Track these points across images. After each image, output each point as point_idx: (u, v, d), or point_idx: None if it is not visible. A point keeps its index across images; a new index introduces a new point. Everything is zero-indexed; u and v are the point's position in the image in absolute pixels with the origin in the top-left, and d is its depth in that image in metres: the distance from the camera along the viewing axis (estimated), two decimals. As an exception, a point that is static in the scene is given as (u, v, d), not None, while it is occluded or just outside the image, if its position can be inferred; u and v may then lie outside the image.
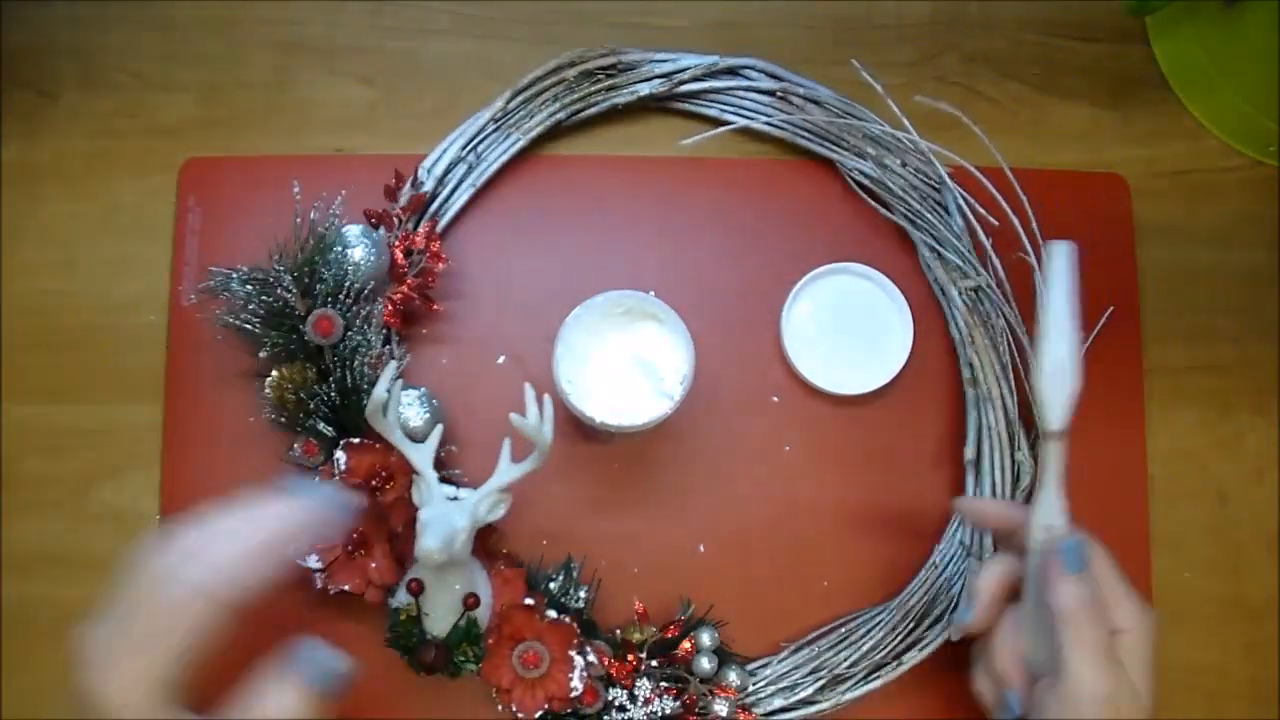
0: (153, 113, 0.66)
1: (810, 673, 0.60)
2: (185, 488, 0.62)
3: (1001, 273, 0.63)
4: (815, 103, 0.66)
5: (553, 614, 0.57)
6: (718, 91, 0.66)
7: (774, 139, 0.66)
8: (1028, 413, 0.62)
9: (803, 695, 0.59)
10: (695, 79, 0.65)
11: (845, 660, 0.60)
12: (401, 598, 0.56)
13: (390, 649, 0.57)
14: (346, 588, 0.56)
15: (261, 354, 0.59)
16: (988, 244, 0.63)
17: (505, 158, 0.64)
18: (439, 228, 0.63)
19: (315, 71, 0.67)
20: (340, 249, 0.59)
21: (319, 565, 0.56)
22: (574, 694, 0.55)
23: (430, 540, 0.50)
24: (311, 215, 0.61)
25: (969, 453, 0.62)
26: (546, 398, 0.54)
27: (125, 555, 0.43)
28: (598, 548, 0.62)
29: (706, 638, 0.59)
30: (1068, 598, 0.48)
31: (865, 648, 0.60)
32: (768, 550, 0.63)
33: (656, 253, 0.65)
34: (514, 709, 0.55)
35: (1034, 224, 0.63)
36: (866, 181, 0.65)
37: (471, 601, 0.55)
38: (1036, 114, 0.68)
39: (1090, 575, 0.50)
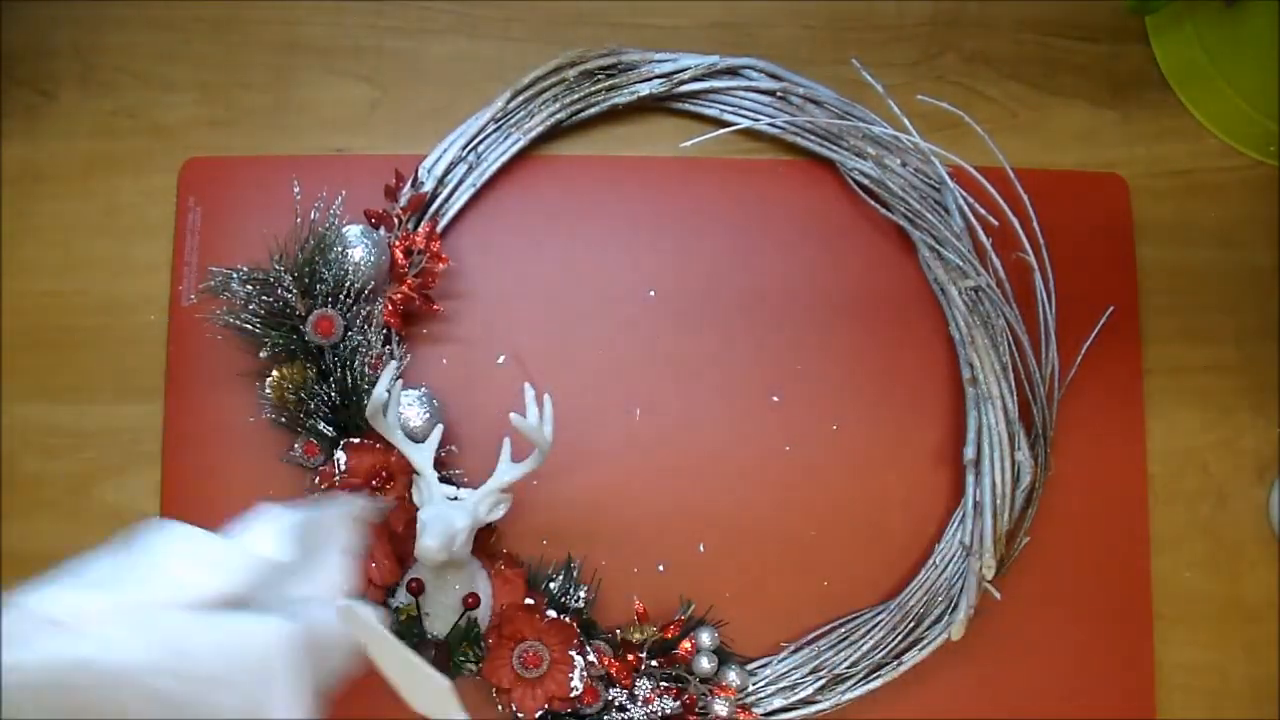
0: (153, 113, 0.66)
1: (810, 673, 0.60)
2: (185, 488, 0.62)
3: (1001, 273, 0.63)
4: (815, 103, 0.66)
5: (553, 614, 0.57)
6: (718, 91, 0.66)
7: (774, 139, 0.66)
8: (1028, 413, 0.62)
9: (803, 695, 0.59)
10: (695, 79, 0.65)
11: (845, 660, 0.60)
12: (401, 598, 0.56)
13: (390, 649, 0.57)
14: (346, 588, 0.56)
15: (261, 354, 0.59)
16: (988, 244, 0.63)
17: (505, 158, 0.64)
18: (439, 228, 0.63)
19: (315, 71, 0.67)
20: (340, 249, 0.59)
21: (319, 565, 0.56)
22: (574, 694, 0.55)
23: (430, 540, 0.50)
24: (311, 215, 0.61)
25: (969, 453, 0.62)
26: (546, 398, 0.54)
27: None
28: (598, 548, 0.62)
29: (706, 638, 0.59)
30: None
31: (865, 648, 0.60)
32: (768, 550, 0.63)
33: (656, 253, 0.65)
34: (514, 709, 0.55)
35: (1034, 224, 0.63)
36: (866, 181, 0.65)
37: (471, 601, 0.55)
38: (1036, 114, 0.68)
39: None
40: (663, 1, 0.68)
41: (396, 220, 0.61)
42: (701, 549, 0.63)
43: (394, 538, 0.57)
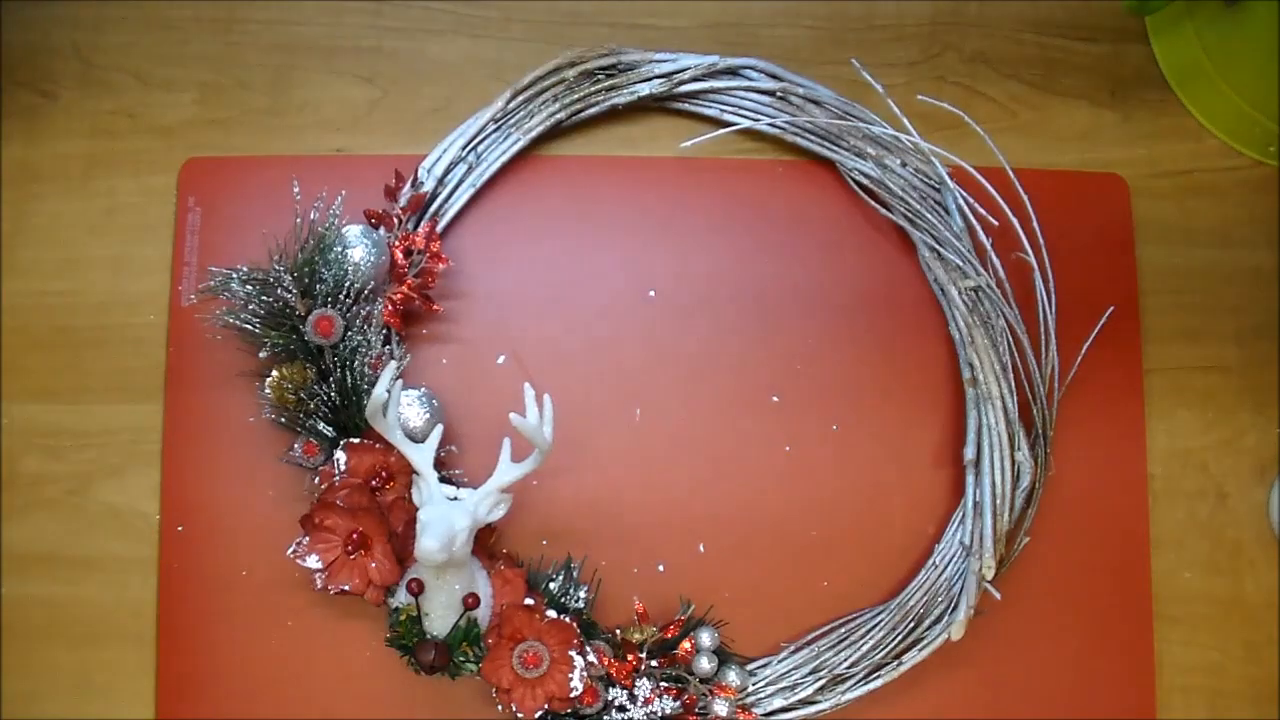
0: (153, 113, 0.66)
1: (810, 673, 0.60)
2: (185, 488, 0.62)
3: (1001, 273, 0.63)
4: (815, 103, 0.66)
5: (553, 614, 0.57)
6: (718, 91, 0.66)
7: (774, 139, 0.66)
8: (1028, 413, 0.62)
9: (803, 695, 0.59)
10: (695, 79, 0.65)
11: (845, 660, 0.60)
12: (401, 598, 0.56)
13: (390, 649, 0.57)
14: (346, 588, 0.56)
15: (261, 354, 0.59)
16: (988, 244, 0.63)
17: (505, 158, 0.64)
18: (439, 228, 0.63)
19: (315, 71, 0.67)
20: (340, 249, 0.59)
21: (319, 565, 0.56)
22: (574, 694, 0.55)
23: (430, 540, 0.50)
24: (311, 215, 0.61)
25: (969, 453, 0.62)
26: (546, 398, 0.54)
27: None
28: (598, 548, 0.62)
29: (706, 638, 0.59)
30: None
31: (865, 648, 0.60)
32: (768, 550, 0.63)
33: (656, 253, 0.65)
34: (514, 709, 0.55)
35: (1034, 224, 0.63)
36: (866, 181, 0.65)
37: (471, 601, 0.55)
38: (1036, 114, 0.68)
39: None
40: (663, 1, 0.68)
41: (396, 220, 0.61)
42: (701, 549, 0.63)
43: (394, 538, 0.57)
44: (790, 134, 0.65)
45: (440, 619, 0.55)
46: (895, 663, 0.60)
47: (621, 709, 0.57)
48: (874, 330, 0.65)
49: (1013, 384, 0.62)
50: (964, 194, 0.63)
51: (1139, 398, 0.65)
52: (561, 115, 0.64)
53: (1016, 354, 0.63)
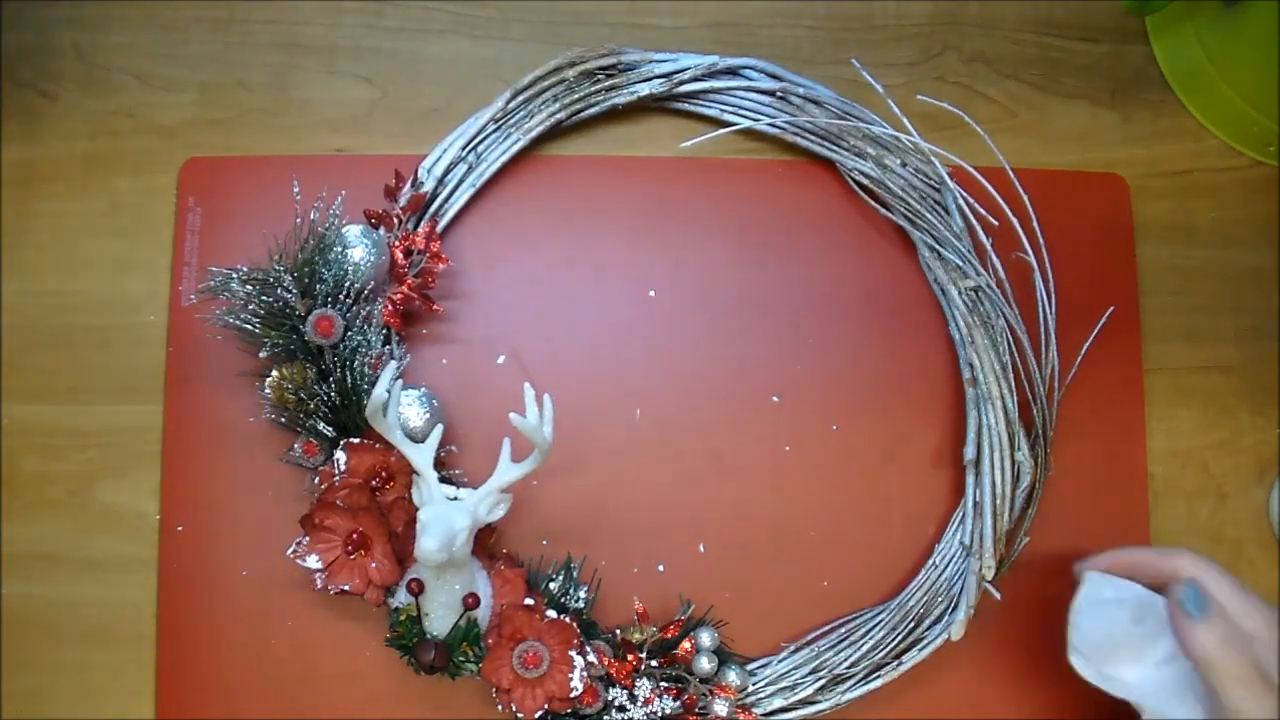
0: (153, 113, 0.66)
1: (810, 673, 0.60)
2: (185, 488, 0.62)
3: (1001, 273, 0.63)
4: (815, 103, 0.66)
5: (553, 614, 0.57)
6: (718, 91, 0.66)
7: (774, 139, 0.66)
8: (1028, 413, 0.62)
9: (803, 695, 0.59)
10: (695, 79, 0.65)
11: (845, 660, 0.60)
12: (401, 598, 0.56)
13: (390, 649, 0.57)
14: (346, 588, 0.56)
15: (261, 354, 0.59)
16: (988, 244, 0.63)
17: (505, 158, 0.64)
18: (439, 228, 0.63)
19: (315, 71, 0.67)
20: (340, 249, 0.59)
21: (319, 565, 0.56)
22: (574, 694, 0.55)
23: (430, 540, 0.50)
24: (311, 215, 0.61)
25: (969, 453, 0.62)
26: (546, 397, 0.54)
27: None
28: (598, 548, 0.62)
29: (706, 638, 0.59)
30: (1201, 647, 0.49)
31: (865, 648, 0.60)
32: (768, 550, 0.63)
33: (656, 253, 0.65)
34: (514, 709, 0.55)
35: (1034, 224, 0.63)
36: (866, 181, 0.65)
37: (471, 601, 0.55)
38: (1036, 114, 0.68)
39: (1216, 607, 0.50)
40: (663, 1, 0.68)
41: (396, 220, 0.61)
42: (701, 549, 0.63)
43: (394, 538, 0.57)
44: (790, 134, 0.65)
45: (440, 619, 0.55)
46: (895, 663, 0.60)
47: (621, 709, 0.57)
48: (874, 330, 0.65)
49: (1013, 384, 0.62)
50: (964, 194, 0.63)
51: (1139, 398, 0.65)
52: (561, 115, 0.64)
53: (1016, 354, 0.63)
